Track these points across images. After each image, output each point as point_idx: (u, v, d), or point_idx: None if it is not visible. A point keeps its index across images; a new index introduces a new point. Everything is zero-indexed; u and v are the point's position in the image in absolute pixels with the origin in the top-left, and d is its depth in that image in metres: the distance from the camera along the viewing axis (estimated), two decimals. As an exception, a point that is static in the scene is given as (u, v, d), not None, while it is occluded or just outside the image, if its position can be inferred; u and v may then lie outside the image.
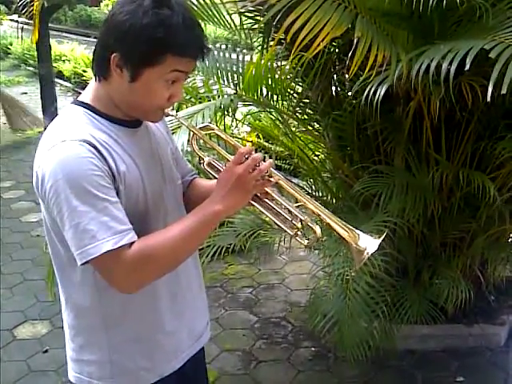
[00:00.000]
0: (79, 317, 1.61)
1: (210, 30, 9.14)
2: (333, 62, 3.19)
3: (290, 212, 1.56)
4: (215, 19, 3.80)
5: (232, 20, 3.84)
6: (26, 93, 10.89)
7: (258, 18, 3.31)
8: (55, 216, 1.43)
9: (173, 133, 2.54)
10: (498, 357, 3.38)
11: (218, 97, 3.16)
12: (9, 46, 13.82)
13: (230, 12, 3.61)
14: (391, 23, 2.47)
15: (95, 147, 1.41)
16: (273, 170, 1.51)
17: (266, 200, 1.56)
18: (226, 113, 2.88)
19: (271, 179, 1.51)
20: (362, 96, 2.48)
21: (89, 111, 1.50)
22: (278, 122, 3.73)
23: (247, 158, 1.46)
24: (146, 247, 1.43)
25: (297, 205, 1.55)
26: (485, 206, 3.11)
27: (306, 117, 3.43)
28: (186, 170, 1.78)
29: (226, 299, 4.11)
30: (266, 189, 1.53)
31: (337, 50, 3.16)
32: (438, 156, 3.06)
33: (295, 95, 3.36)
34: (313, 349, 3.50)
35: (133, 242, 1.42)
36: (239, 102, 3.00)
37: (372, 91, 2.33)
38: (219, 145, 1.62)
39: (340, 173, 3.39)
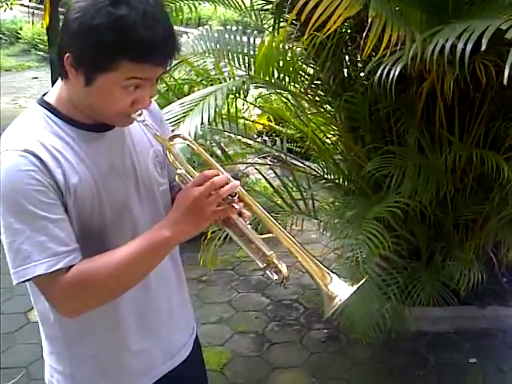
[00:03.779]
0: (43, 325, 1.53)
1: (220, 12, 9.12)
2: (345, 43, 3.17)
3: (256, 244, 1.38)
4: (225, 1, 3.79)
5: (243, 1, 3.82)
6: (36, 77, 10.90)
7: (269, -2, 3.29)
8: None
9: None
10: (510, 338, 3.37)
11: (229, 79, 3.15)
12: (19, 31, 13.79)
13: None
14: (405, 2, 2.44)
15: (40, 159, 1.27)
16: (244, 194, 1.35)
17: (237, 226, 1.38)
18: (237, 95, 2.86)
19: (235, 206, 1.32)
20: (374, 77, 2.46)
21: (49, 113, 1.37)
22: (289, 104, 3.72)
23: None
24: (84, 272, 1.30)
25: (263, 236, 1.37)
26: (498, 186, 3.08)
27: (317, 98, 3.41)
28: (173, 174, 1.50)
29: (239, 282, 4.12)
30: (232, 215, 1.35)
31: (349, 31, 3.13)
32: (451, 137, 3.04)
33: (307, 77, 3.34)
34: (325, 331, 3.51)
35: (72, 265, 1.30)
36: (251, 85, 2.98)
37: (385, 71, 2.31)
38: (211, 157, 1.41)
39: (352, 154, 3.38)
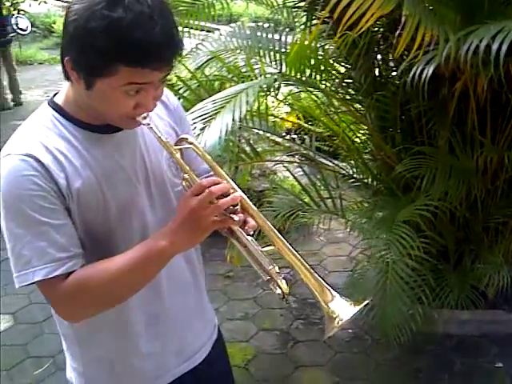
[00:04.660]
0: (58, 323, 1.52)
1: (250, 9, 9.12)
2: (377, 42, 3.15)
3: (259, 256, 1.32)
4: (258, -3, 3.79)
5: (275, -1, 3.82)
6: (69, 71, 10.99)
7: (303, -5, 3.28)
8: None
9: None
10: (538, 344, 3.33)
11: (260, 76, 3.15)
12: (52, 25, 13.94)
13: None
14: (439, 2, 2.42)
15: (41, 163, 1.26)
16: (249, 204, 1.31)
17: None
18: (268, 93, 2.85)
19: (235, 217, 1.27)
20: (406, 76, 2.44)
21: (57, 114, 1.35)
22: (319, 103, 3.70)
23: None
24: (81, 279, 1.28)
25: (266, 249, 1.32)
26: (530, 190, 3.05)
27: (348, 97, 3.39)
28: (198, 172, 1.44)
29: (264, 279, 4.12)
30: (232, 227, 1.30)
31: (381, 30, 3.11)
32: (482, 138, 3.00)
33: (338, 75, 3.32)
34: (350, 331, 3.49)
35: (72, 271, 1.28)
36: (282, 82, 2.98)
37: (418, 71, 2.29)
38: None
39: (382, 154, 3.36)
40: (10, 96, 8.96)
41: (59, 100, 1.38)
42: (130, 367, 1.52)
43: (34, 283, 1.29)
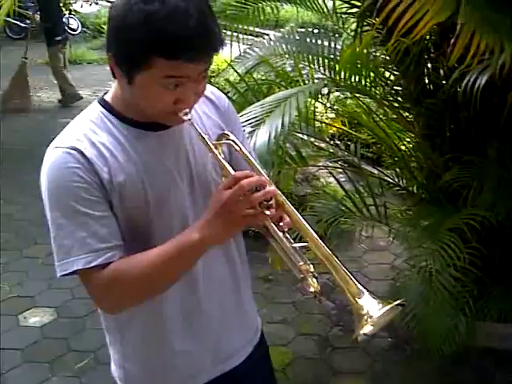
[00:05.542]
0: (101, 315, 1.56)
1: (296, 14, 9.11)
2: (428, 50, 3.12)
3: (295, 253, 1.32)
4: (308, 3, 3.79)
5: (325, 4, 3.82)
6: (117, 71, 11.14)
7: (354, 2, 3.27)
8: None
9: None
10: None
11: (308, 81, 3.16)
12: (102, 25, 14.13)
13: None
14: (495, 10, 2.39)
15: (85, 156, 1.31)
16: (284, 201, 1.32)
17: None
18: (317, 98, 2.86)
19: (267, 212, 1.28)
20: (458, 85, 2.42)
21: (105, 111, 1.39)
22: (366, 109, 3.69)
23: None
24: (117, 271, 1.32)
25: (299, 245, 1.32)
26: None
27: (396, 104, 3.37)
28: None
29: (297, 277, 4.11)
30: (265, 222, 1.30)
31: (433, 38, 3.09)
32: (533, 150, 2.95)
33: (388, 82, 3.31)
34: (389, 339, 3.47)
35: (111, 262, 1.32)
36: (330, 88, 2.98)
37: (471, 80, 2.27)
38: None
39: (429, 163, 3.33)
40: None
41: (108, 98, 1.43)
42: (162, 363, 1.54)
43: (73, 272, 1.33)
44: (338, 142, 5.38)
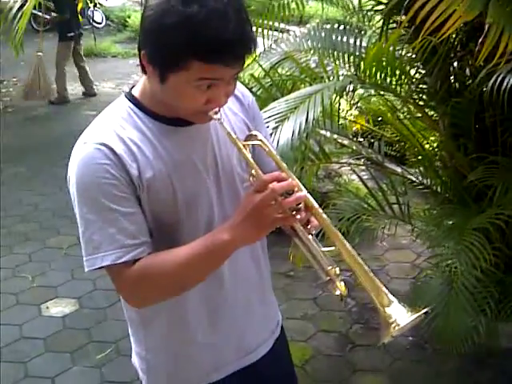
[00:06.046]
0: (124, 307, 1.57)
1: (322, 11, 9.08)
2: (454, 49, 3.10)
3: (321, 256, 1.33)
4: (333, -1, 3.78)
5: (350, 1, 3.81)
6: (140, 65, 11.21)
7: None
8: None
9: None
10: None
11: (333, 78, 3.15)
12: (127, 19, 14.24)
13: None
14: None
15: (115, 153, 1.31)
16: (313, 203, 1.31)
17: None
18: (342, 95, 2.85)
19: (297, 216, 1.28)
20: (485, 84, 2.40)
21: (133, 106, 1.39)
22: (391, 107, 3.68)
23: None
24: (147, 267, 1.33)
25: (327, 249, 1.33)
26: None
27: (421, 103, 3.35)
28: (269, 168, 1.39)
29: (323, 279, 4.11)
30: (294, 224, 1.31)
31: (459, 36, 3.07)
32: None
33: (413, 80, 3.29)
34: (410, 338, 3.45)
35: (139, 259, 1.33)
36: (355, 85, 2.97)
37: (499, 80, 2.25)
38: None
39: (453, 162, 3.31)
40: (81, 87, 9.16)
41: (136, 92, 1.42)
42: (187, 356, 1.55)
43: (101, 268, 1.34)
44: (362, 140, 5.36)
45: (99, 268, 1.34)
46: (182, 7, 1.20)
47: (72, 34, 8.51)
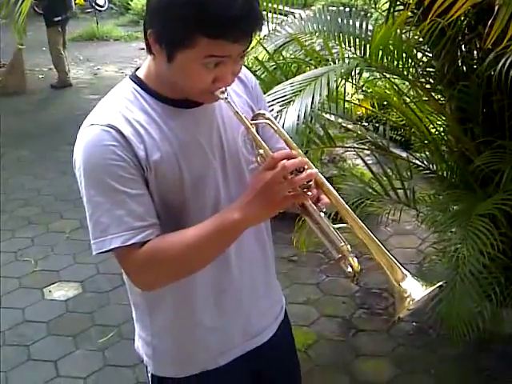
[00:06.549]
0: (129, 292, 1.57)
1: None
2: (462, 31, 3.05)
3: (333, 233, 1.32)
4: (339, -19, 3.73)
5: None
6: (143, 48, 11.00)
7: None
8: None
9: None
10: None
11: (338, 61, 3.11)
12: (129, 2, 14.18)
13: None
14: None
15: (122, 134, 1.30)
16: (323, 181, 1.31)
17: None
18: (348, 78, 2.81)
19: (309, 193, 1.28)
20: (492, 68, 2.36)
21: (138, 87, 1.39)
22: (398, 90, 3.63)
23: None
24: (155, 249, 1.32)
25: (337, 226, 1.32)
26: None
27: (428, 86, 3.31)
28: (274, 150, 1.35)
29: (328, 265, 4.07)
30: (305, 202, 1.30)
31: (467, 19, 3.02)
32: None
33: (420, 64, 3.25)
34: (414, 324, 3.44)
35: (147, 241, 1.32)
36: (362, 68, 2.93)
37: (507, 64, 2.21)
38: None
39: (460, 146, 3.27)
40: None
41: (141, 74, 1.41)
42: (193, 340, 1.55)
43: (109, 250, 1.32)
44: (366, 124, 5.32)
45: (107, 251, 1.32)
46: None
47: (59, 18, 8.41)
